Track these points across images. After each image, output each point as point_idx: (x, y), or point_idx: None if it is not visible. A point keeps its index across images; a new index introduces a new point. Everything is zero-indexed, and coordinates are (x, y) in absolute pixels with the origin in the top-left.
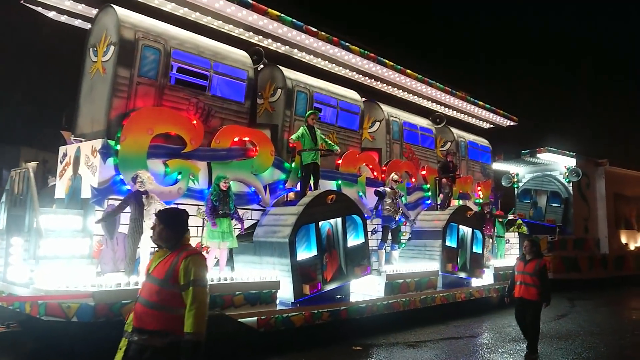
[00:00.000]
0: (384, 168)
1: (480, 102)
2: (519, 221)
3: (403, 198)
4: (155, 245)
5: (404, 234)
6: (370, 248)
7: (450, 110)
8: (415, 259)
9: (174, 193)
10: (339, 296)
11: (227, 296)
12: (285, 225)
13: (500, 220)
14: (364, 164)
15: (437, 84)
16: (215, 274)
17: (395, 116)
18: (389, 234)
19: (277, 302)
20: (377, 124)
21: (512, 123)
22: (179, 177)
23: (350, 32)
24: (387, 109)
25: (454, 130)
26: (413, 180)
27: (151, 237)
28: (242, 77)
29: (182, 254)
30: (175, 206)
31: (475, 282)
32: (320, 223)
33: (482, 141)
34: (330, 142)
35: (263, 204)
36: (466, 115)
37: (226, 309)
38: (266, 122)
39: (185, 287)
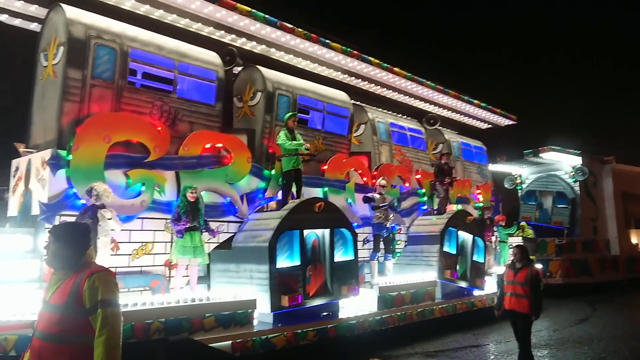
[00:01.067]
0: (375, 173)
1: (476, 101)
2: (524, 224)
3: (395, 203)
4: (52, 268)
5: (399, 242)
6: (360, 259)
7: (445, 110)
8: (411, 265)
9: (137, 206)
10: (325, 313)
11: (195, 319)
12: (266, 229)
13: (502, 224)
14: (352, 169)
15: (428, 82)
16: (183, 294)
17: (381, 118)
18: (381, 242)
19: (255, 322)
20: (362, 127)
21: (510, 122)
22: (143, 188)
23: (333, 26)
24: (371, 110)
25: (445, 132)
26: (407, 184)
27: (45, 258)
28: (211, 77)
29: (84, 273)
30: (140, 220)
31: (477, 291)
32: (306, 232)
33: (476, 142)
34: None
35: (240, 215)
36: (462, 116)
37: (194, 334)
38: (245, 128)
39: (92, 310)
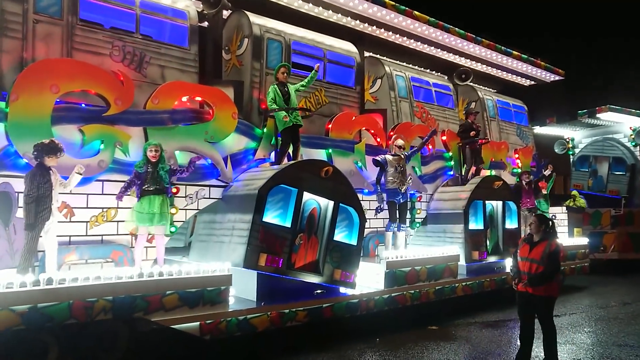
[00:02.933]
0: (391, 133)
1: (515, 52)
2: (575, 193)
3: (416, 169)
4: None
5: (418, 210)
6: (374, 229)
7: (479, 64)
8: (434, 246)
9: (94, 167)
10: (318, 291)
11: (153, 297)
12: (260, 178)
13: (544, 192)
14: (364, 128)
15: (456, 29)
16: (140, 268)
17: (400, 71)
18: (397, 211)
19: (232, 297)
20: (379, 81)
21: (557, 77)
22: (102, 146)
23: None
24: (389, 63)
25: (479, 88)
26: (430, 147)
27: None
28: (182, 17)
29: None
30: (100, 183)
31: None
32: (306, 196)
33: (515, 100)
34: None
35: (224, 179)
36: (499, 71)
37: (151, 314)
38: (232, 80)
39: None
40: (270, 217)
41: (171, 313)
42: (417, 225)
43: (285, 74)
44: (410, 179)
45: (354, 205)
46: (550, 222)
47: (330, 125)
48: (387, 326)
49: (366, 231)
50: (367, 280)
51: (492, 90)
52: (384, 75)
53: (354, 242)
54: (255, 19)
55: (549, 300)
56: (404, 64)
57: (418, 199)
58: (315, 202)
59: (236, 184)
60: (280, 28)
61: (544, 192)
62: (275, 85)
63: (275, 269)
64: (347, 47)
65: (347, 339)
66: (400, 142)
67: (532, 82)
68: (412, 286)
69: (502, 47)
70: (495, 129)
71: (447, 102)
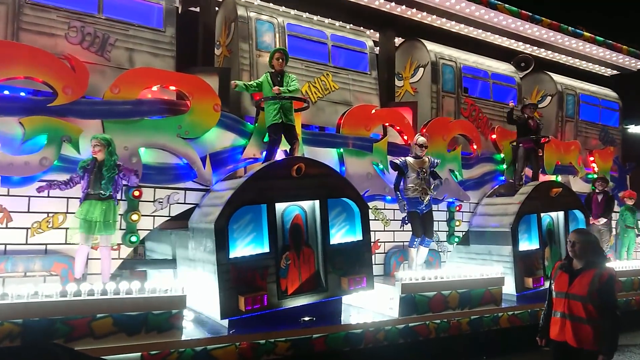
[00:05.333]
0: (423, 130)
1: (586, 33)
2: None
3: (456, 173)
4: None
5: (458, 222)
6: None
7: (543, 50)
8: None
9: (35, 165)
10: (306, 318)
11: (78, 320)
12: (217, 205)
13: (630, 203)
14: (387, 123)
15: (507, 6)
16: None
17: (448, 58)
18: (420, 223)
19: (187, 328)
20: (421, 70)
21: None
22: (46, 142)
23: None
24: (434, 48)
25: (558, 79)
26: (474, 147)
27: None
28: None
29: None
30: (41, 184)
31: None
32: (281, 206)
33: (606, 94)
34: (296, 86)
35: (202, 181)
36: (568, 58)
37: (76, 341)
38: (218, 67)
39: None
40: (241, 247)
41: (102, 341)
42: (456, 240)
43: (281, 61)
44: (435, 185)
45: (348, 194)
46: (596, 240)
47: (342, 120)
48: None
49: (389, 245)
50: (380, 305)
51: (580, 82)
52: (427, 64)
53: (359, 236)
54: None
55: (593, 356)
56: (454, 49)
57: (457, 208)
58: (296, 207)
59: (197, 210)
60: (270, 6)
61: (630, 201)
62: (269, 74)
63: (261, 308)
64: (352, 28)
65: None
66: (421, 139)
67: (615, 72)
68: (437, 315)
69: (569, 28)
70: (571, 131)
71: (509, 97)
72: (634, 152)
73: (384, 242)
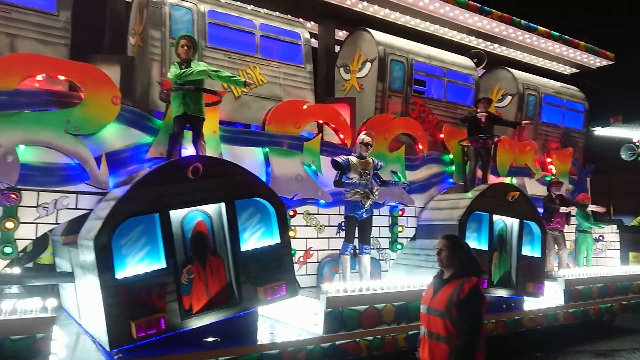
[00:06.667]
0: (362, 128)
1: (541, 28)
2: None
3: (400, 175)
4: None
5: (401, 228)
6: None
7: (497, 46)
8: (423, 268)
9: None
10: (209, 339)
11: None
12: (100, 217)
13: (586, 208)
14: (320, 120)
15: None
16: None
17: (398, 53)
18: (356, 229)
19: (57, 356)
20: (368, 65)
21: (606, 62)
22: None
23: None
24: (384, 40)
25: (521, 77)
26: (420, 147)
27: None
28: None
29: None
30: None
31: (533, 304)
32: (177, 213)
33: (572, 95)
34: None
35: (95, 184)
36: (525, 54)
37: None
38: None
39: None
40: (132, 265)
41: None
42: (399, 247)
43: (187, 48)
44: (378, 191)
45: (260, 193)
46: (467, 247)
47: (268, 116)
48: None
49: (322, 254)
50: (305, 322)
51: (546, 80)
52: (375, 59)
53: (276, 239)
54: None
55: None
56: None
57: (400, 212)
58: (199, 213)
59: (87, 221)
60: None
61: (589, 209)
62: (176, 63)
63: (158, 333)
64: (285, 18)
65: None
66: (366, 138)
67: (574, 70)
68: (369, 331)
69: (522, 21)
70: (529, 134)
71: (464, 98)
72: (601, 155)
73: (317, 250)
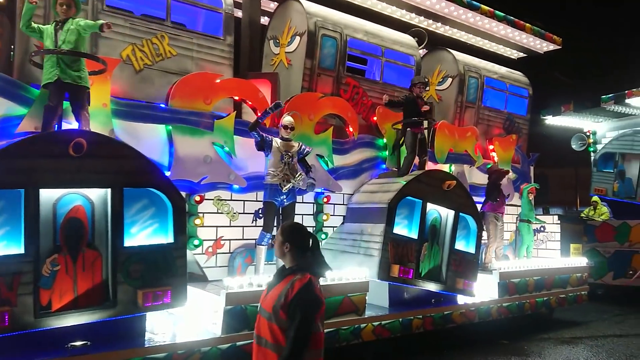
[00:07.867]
0: (286, 106)
1: (484, 7)
2: (596, 199)
3: (326, 160)
4: None
5: (326, 216)
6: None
7: (440, 25)
8: (348, 254)
9: None
10: (77, 343)
11: None
12: None
13: (530, 194)
14: (235, 97)
15: None
16: None
17: (331, 28)
18: (274, 217)
19: None
20: (297, 39)
21: (553, 47)
22: None
23: None
24: (316, 11)
25: (462, 59)
26: (351, 129)
27: None
28: None
29: None
30: None
31: (466, 298)
32: (52, 193)
33: (516, 79)
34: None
35: None
36: (473, 36)
37: None
38: None
39: None
40: None
41: None
42: (324, 237)
43: (65, 7)
44: (301, 176)
45: (157, 183)
46: (310, 238)
47: (173, 89)
48: None
49: (235, 244)
50: (206, 320)
51: (488, 63)
52: (304, 32)
53: (170, 238)
54: None
55: None
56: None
57: (325, 199)
58: (79, 197)
59: None
60: None
61: (531, 196)
62: (53, 23)
63: (0, 330)
64: None
65: None
66: (287, 119)
67: (522, 54)
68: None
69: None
70: (471, 119)
71: (403, 80)
72: (550, 144)
73: (229, 239)
